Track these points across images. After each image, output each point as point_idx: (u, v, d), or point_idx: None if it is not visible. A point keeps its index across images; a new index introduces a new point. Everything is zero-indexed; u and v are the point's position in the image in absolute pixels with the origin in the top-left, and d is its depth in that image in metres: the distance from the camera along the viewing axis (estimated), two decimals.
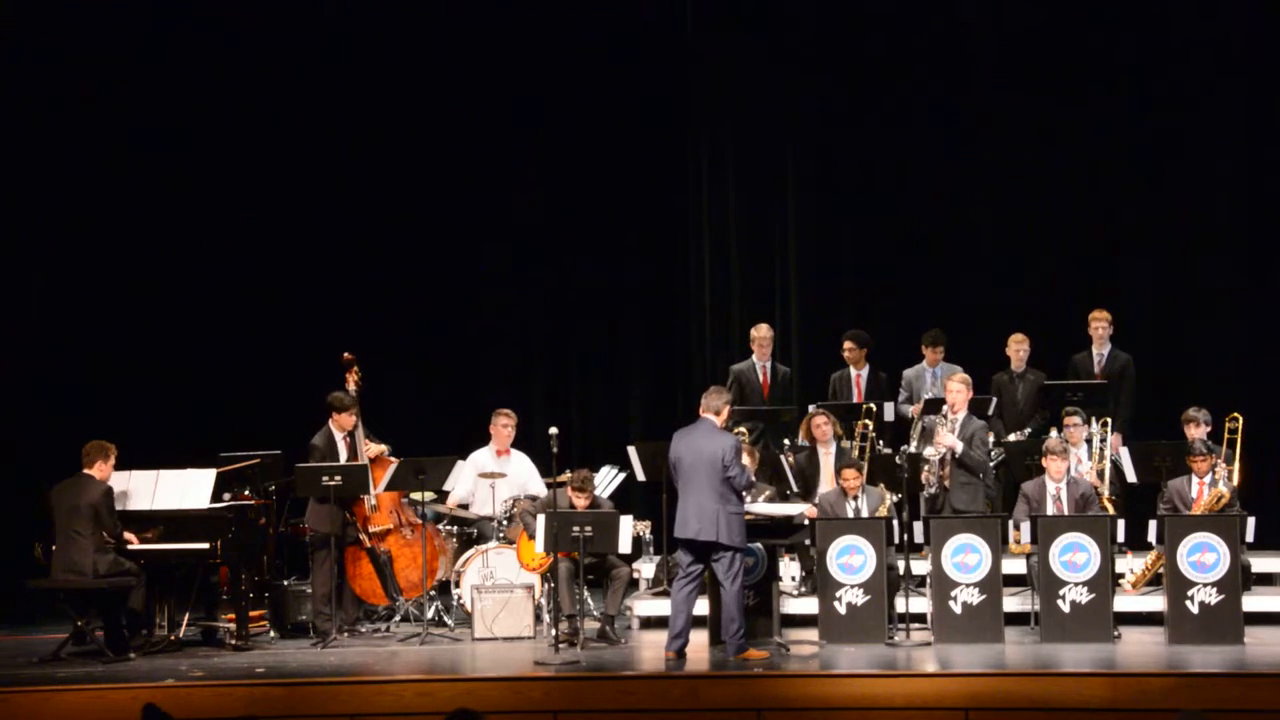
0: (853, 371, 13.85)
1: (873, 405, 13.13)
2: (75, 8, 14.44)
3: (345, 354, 12.30)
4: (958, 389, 12.46)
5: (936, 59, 14.95)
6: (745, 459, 11.22)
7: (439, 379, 15.05)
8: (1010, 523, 11.69)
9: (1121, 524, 11.62)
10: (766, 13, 15.14)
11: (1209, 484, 11.81)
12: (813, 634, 11.56)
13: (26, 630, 12.56)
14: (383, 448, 12.29)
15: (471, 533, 12.67)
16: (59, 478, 11.52)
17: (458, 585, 12.28)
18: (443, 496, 12.68)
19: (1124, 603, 11.81)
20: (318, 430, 12.18)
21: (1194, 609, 11.18)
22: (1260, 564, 12.26)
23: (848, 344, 13.83)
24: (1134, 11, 14.79)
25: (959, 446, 12.27)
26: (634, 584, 12.60)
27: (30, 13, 14.34)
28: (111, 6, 14.55)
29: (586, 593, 11.87)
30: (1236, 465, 12.21)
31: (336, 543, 11.99)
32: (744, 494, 10.94)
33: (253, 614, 12.03)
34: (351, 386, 12.23)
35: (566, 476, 11.88)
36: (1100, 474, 12.56)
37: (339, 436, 12.17)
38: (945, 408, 12.48)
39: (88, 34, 14.52)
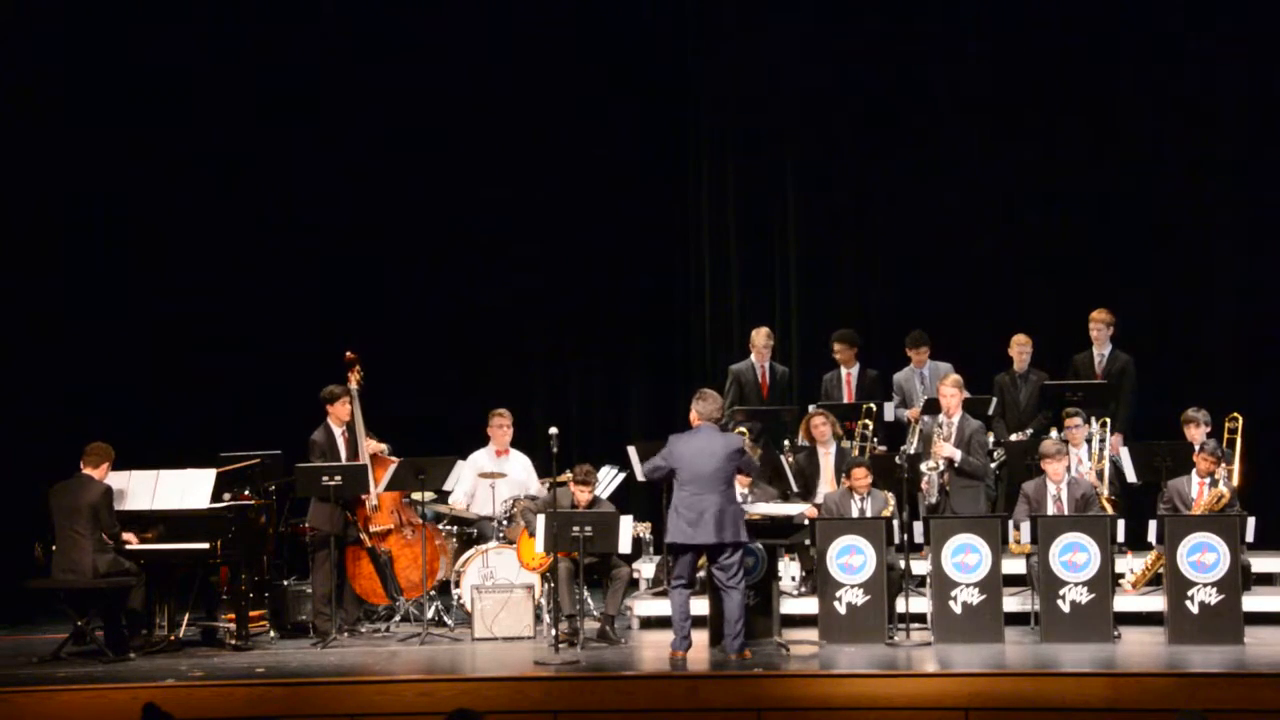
0: (843, 371, 13.85)
1: (872, 405, 13.14)
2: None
3: (348, 353, 12.29)
4: (951, 393, 12.48)
5: (938, 60, 14.95)
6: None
7: (439, 379, 15.04)
8: (1010, 523, 11.69)
9: (1121, 524, 11.63)
10: (768, 14, 15.14)
11: (1209, 484, 11.82)
12: (813, 634, 11.56)
13: (26, 630, 12.56)
14: (383, 446, 12.30)
15: (471, 533, 12.67)
16: (59, 478, 11.53)
17: (458, 585, 12.28)
18: (443, 496, 12.68)
19: (1124, 603, 11.81)
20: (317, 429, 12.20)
21: (1194, 609, 11.18)
22: (1260, 564, 12.25)
23: (838, 345, 13.82)
24: (1133, 16, 14.79)
25: (957, 456, 12.30)
26: (634, 584, 12.60)
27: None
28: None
29: (586, 593, 11.87)
30: (1236, 465, 12.23)
31: (337, 542, 12.00)
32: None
33: (253, 614, 12.03)
34: (354, 385, 12.23)
35: (567, 476, 11.89)
36: (1100, 474, 12.57)
37: (337, 431, 12.19)
38: (940, 415, 12.49)
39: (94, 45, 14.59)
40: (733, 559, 10.86)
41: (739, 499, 11.64)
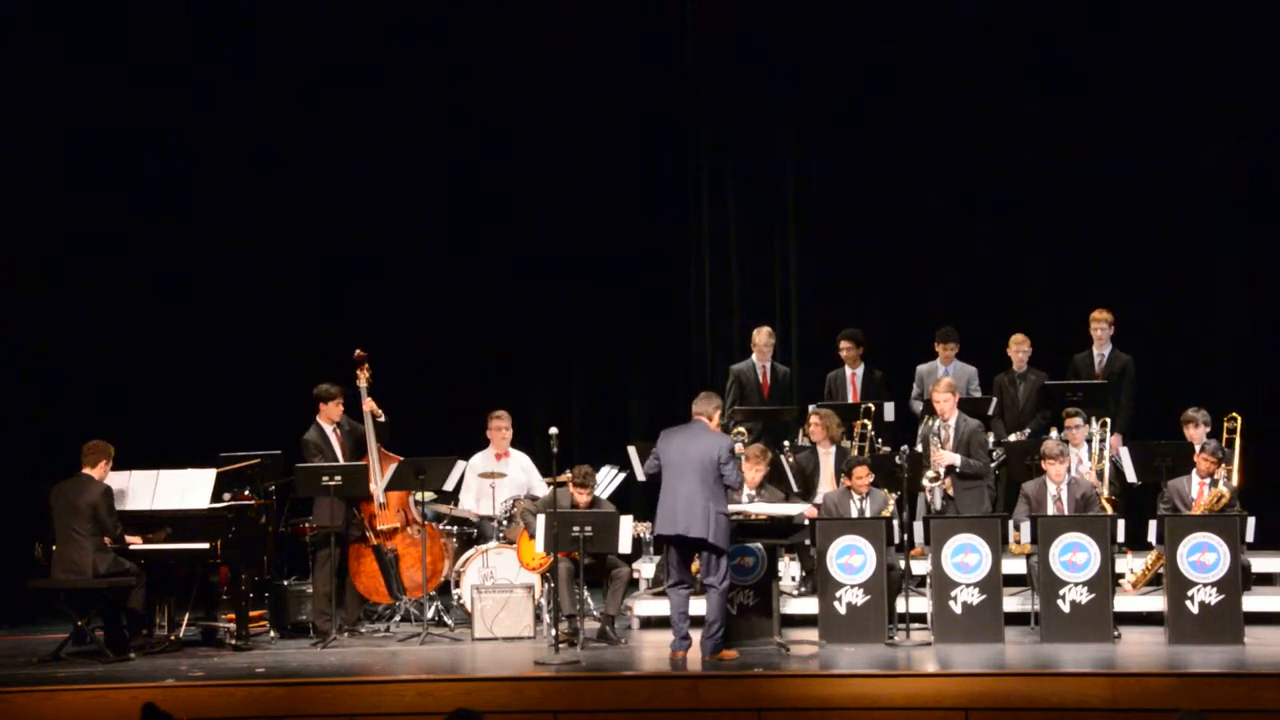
0: (848, 371, 13.85)
1: (871, 405, 13.13)
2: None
3: (357, 350, 12.27)
4: (944, 397, 12.50)
5: (937, 60, 14.95)
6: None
7: (440, 380, 15.04)
8: (1010, 523, 11.70)
9: (1121, 524, 11.64)
10: (768, 13, 15.14)
11: (1209, 484, 11.82)
12: (813, 634, 11.56)
13: (26, 630, 12.57)
14: (379, 412, 12.23)
15: (471, 533, 12.67)
16: (59, 478, 11.53)
17: (458, 585, 12.28)
18: (443, 496, 12.67)
19: (1124, 603, 11.81)
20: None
21: (1194, 609, 11.18)
22: (1260, 564, 12.24)
23: (845, 344, 13.82)
24: (1135, 17, 14.79)
25: (957, 461, 12.30)
26: (634, 584, 12.60)
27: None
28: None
29: (586, 593, 11.87)
30: (1236, 465, 12.22)
31: (340, 540, 12.00)
32: (734, 490, 11.11)
33: (253, 614, 12.03)
34: (363, 384, 12.22)
35: (567, 476, 11.88)
36: (1100, 474, 12.57)
37: (329, 429, 12.20)
38: (937, 420, 12.49)
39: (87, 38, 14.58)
40: (710, 557, 10.79)
41: (746, 499, 11.67)
